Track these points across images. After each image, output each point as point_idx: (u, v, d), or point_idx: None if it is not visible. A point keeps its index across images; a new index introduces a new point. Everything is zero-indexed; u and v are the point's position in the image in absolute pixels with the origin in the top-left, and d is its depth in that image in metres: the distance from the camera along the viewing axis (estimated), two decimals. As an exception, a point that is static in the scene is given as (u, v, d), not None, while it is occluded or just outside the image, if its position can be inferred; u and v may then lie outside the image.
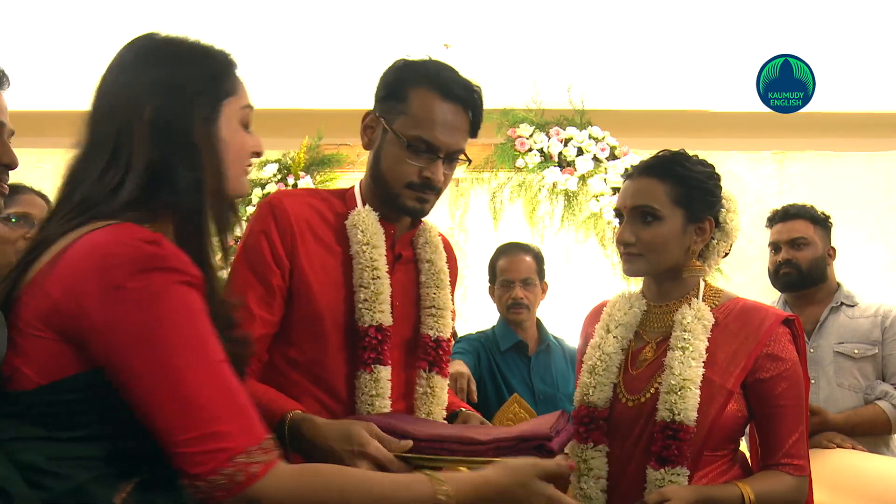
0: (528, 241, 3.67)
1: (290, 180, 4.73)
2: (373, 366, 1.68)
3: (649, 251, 1.84)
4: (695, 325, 1.79)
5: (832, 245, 3.12)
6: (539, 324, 3.28)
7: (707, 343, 1.79)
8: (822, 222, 3.12)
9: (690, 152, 1.92)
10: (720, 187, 1.89)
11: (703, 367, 1.76)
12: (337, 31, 3.96)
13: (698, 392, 1.74)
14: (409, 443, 1.47)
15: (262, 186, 4.72)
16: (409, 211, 1.76)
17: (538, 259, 3.29)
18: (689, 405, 1.72)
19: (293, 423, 1.53)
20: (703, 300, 1.86)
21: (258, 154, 1.36)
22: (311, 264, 1.67)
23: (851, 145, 5.02)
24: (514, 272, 3.19)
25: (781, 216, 3.16)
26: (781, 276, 3.09)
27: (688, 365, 1.75)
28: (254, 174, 4.81)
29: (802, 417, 1.79)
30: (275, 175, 4.76)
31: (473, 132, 1.77)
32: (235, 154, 1.30)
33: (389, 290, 1.72)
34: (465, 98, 1.73)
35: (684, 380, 1.74)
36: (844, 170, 4.99)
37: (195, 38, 1.31)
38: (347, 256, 1.72)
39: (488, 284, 3.33)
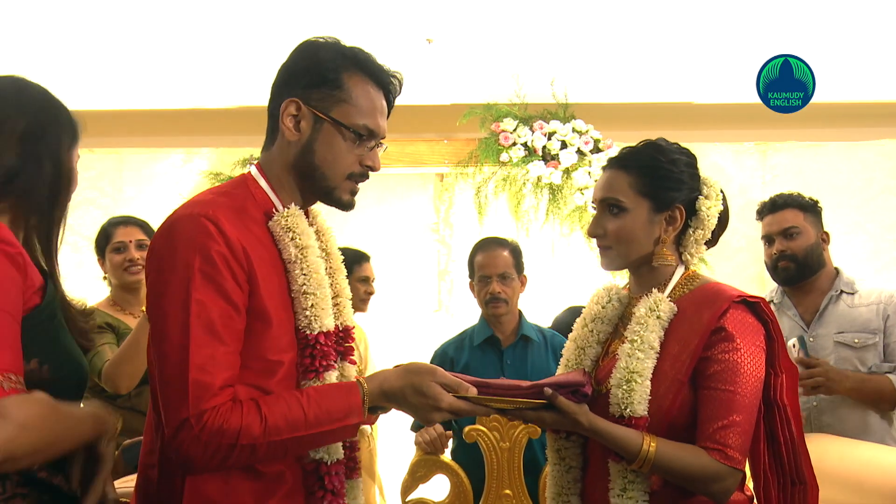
0: (510, 235, 3.68)
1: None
2: (324, 373, 1.61)
3: (617, 243, 1.84)
4: (647, 317, 1.77)
5: (825, 230, 3.08)
6: (520, 317, 3.28)
7: (662, 335, 1.76)
8: (811, 208, 3.07)
9: (673, 143, 1.91)
10: (693, 174, 1.86)
11: (657, 360, 1.74)
12: (319, 27, 3.94)
13: (647, 385, 1.71)
14: (475, 389, 1.60)
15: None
16: (343, 204, 1.71)
17: (515, 253, 3.28)
18: (634, 399, 1.70)
19: (373, 389, 1.58)
20: (675, 289, 1.84)
21: None
22: (264, 280, 1.56)
23: (834, 135, 5.05)
24: (491, 267, 3.20)
25: (770, 207, 3.11)
26: (781, 270, 3.05)
27: (635, 358, 1.73)
28: (238, 170, 4.80)
29: (738, 407, 1.68)
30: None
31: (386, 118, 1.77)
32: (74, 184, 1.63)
33: (330, 292, 1.68)
34: (390, 86, 1.73)
35: (631, 373, 1.72)
36: (827, 160, 5.02)
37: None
38: (279, 261, 1.62)
39: (469, 280, 3.34)
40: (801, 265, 3.02)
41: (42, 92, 1.59)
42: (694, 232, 1.85)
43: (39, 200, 1.54)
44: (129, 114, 4.99)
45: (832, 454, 2.53)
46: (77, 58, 4.28)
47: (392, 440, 4.04)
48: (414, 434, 3.06)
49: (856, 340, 2.94)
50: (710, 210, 1.85)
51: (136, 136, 5.12)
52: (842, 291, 3.03)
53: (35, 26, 3.98)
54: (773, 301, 3.15)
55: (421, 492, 2.96)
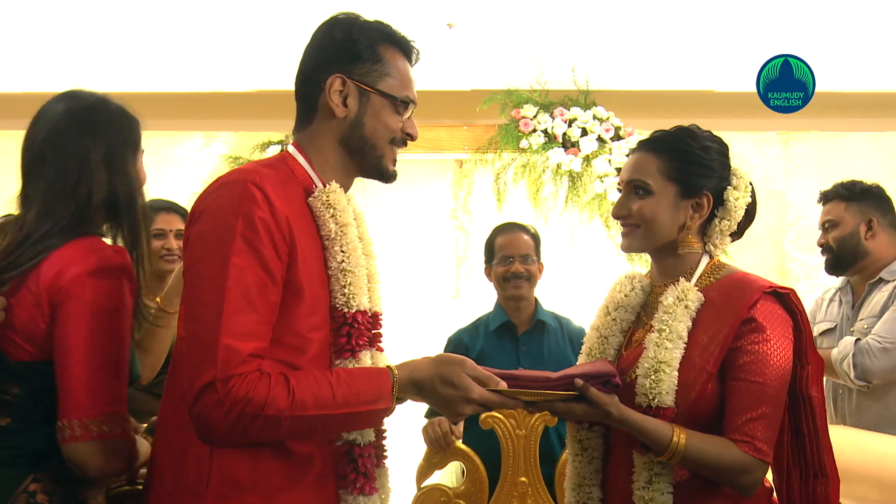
0: (529, 222, 3.66)
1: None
2: (359, 353, 1.59)
3: (641, 222, 1.82)
4: (675, 306, 1.75)
5: (871, 217, 3.04)
6: (536, 303, 3.27)
7: (689, 324, 1.74)
8: (856, 197, 3.09)
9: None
10: (724, 163, 1.84)
11: (684, 349, 1.72)
12: (338, 10, 3.93)
13: (675, 375, 1.69)
14: (504, 383, 1.58)
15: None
16: (389, 175, 1.75)
17: (536, 239, 3.30)
18: (663, 389, 1.68)
19: (402, 377, 1.56)
20: (701, 277, 1.82)
21: None
22: (303, 254, 1.54)
23: (857, 125, 4.98)
24: (515, 248, 3.21)
25: (821, 199, 3.20)
26: (825, 260, 3.15)
27: (663, 347, 1.71)
28: (256, 154, 4.80)
29: (767, 399, 1.68)
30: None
31: None
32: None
33: (377, 272, 1.68)
34: (412, 55, 1.76)
35: (659, 363, 1.70)
36: (850, 149, 4.96)
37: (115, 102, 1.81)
38: (317, 236, 1.61)
39: (484, 266, 3.32)
40: (835, 256, 3.08)
41: (123, 109, 1.82)
42: (720, 222, 1.83)
43: (134, 216, 1.79)
44: (149, 96, 4.98)
45: (853, 447, 2.51)
46: (96, 41, 4.28)
47: (408, 426, 4.04)
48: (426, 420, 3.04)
49: (865, 327, 2.92)
50: (738, 201, 1.83)
51: (156, 119, 5.11)
52: (880, 279, 2.99)
53: (54, 9, 3.99)
54: (839, 288, 3.20)
55: (436, 478, 2.96)
